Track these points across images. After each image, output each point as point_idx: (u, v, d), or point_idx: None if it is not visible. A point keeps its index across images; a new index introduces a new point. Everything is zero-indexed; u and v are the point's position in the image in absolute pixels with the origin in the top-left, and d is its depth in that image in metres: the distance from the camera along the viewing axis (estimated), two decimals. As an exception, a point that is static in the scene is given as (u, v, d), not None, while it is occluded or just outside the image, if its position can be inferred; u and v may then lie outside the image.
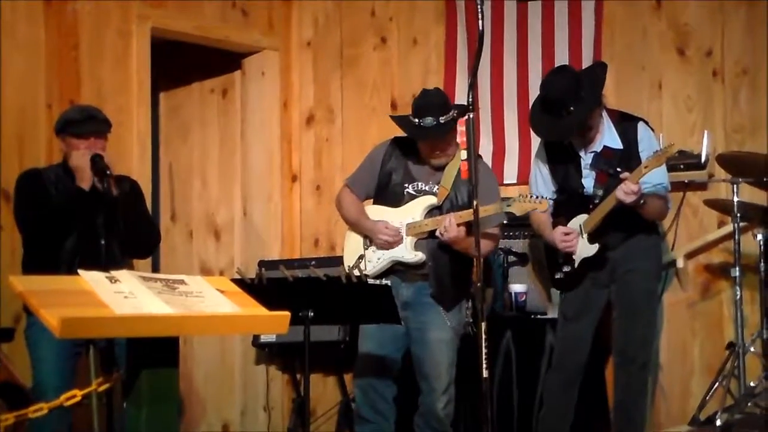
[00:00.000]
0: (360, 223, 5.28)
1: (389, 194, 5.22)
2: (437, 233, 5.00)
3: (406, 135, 5.21)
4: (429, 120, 5.00)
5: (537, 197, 5.03)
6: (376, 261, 5.17)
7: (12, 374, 4.73)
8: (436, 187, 5.13)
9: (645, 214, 5.05)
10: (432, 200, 5.12)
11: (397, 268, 5.17)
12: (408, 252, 5.13)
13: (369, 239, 5.23)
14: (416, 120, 5.04)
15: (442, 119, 4.98)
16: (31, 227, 4.85)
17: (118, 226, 4.77)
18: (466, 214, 4.94)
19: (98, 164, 4.73)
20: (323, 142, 7.04)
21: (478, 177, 4.11)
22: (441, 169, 5.14)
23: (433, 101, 5.07)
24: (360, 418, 5.22)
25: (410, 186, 5.19)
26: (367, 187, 5.32)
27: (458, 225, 4.95)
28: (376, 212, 5.26)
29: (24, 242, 4.92)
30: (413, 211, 5.14)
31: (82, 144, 4.80)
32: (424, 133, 5.05)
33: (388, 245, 5.15)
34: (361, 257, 5.18)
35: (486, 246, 5.00)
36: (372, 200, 5.34)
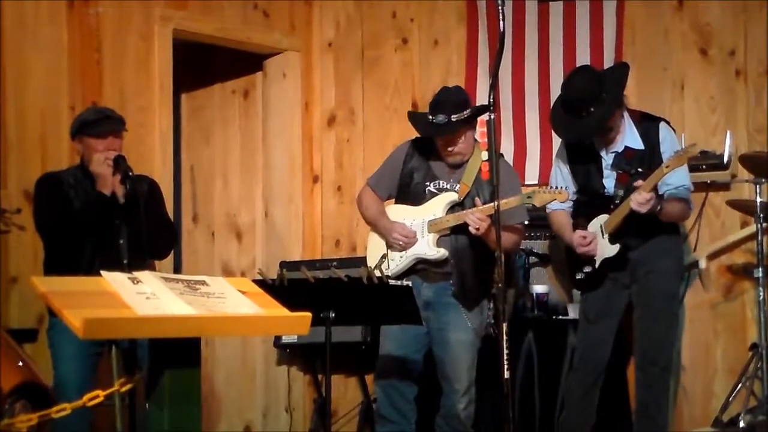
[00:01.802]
0: (378, 223, 5.29)
1: (411, 193, 5.23)
2: (471, 230, 4.97)
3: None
4: (441, 117, 5.02)
5: (557, 187, 5.04)
6: (399, 260, 5.18)
7: (35, 375, 4.75)
8: (458, 185, 5.13)
9: (663, 218, 5.04)
10: (453, 197, 5.13)
11: (419, 267, 5.17)
12: (430, 248, 5.13)
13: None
14: (430, 116, 5.06)
15: (453, 117, 4.99)
16: (51, 232, 4.87)
17: (139, 227, 4.79)
18: (489, 208, 4.95)
19: (122, 166, 4.74)
20: (344, 143, 7.04)
21: (499, 174, 4.11)
22: (462, 166, 5.14)
23: (448, 99, 5.09)
24: (381, 417, 5.23)
25: (431, 184, 5.19)
26: (388, 187, 5.33)
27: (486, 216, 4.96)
28: (398, 211, 5.26)
29: (45, 245, 4.95)
30: (435, 209, 5.14)
31: (100, 144, 4.81)
32: (433, 130, 5.07)
33: (401, 247, 5.15)
34: (384, 256, 5.19)
35: (510, 239, 4.99)
36: (394, 200, 5.35)
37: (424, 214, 5.16)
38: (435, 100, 5.13)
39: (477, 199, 5.05)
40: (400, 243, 5.15)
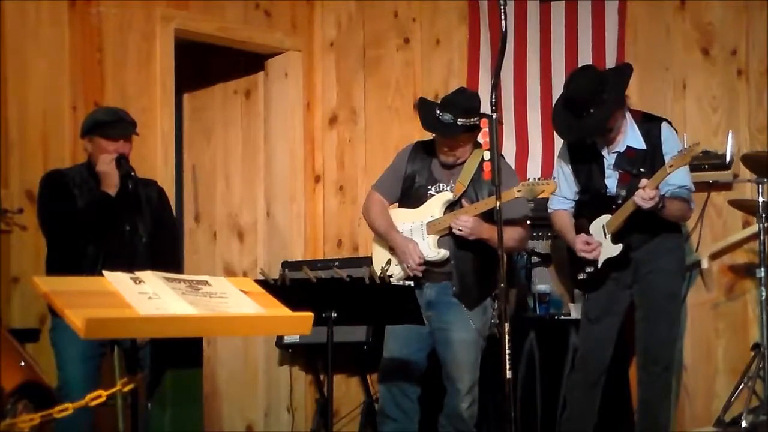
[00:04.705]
0: (389, 236, 5.25)
1: (413, 196, 5.25)
2: (454, 231, 5.01)
3: (429, 139, 5.25)
4: (447, 117, 5.02)
5: (544, 179, 5.03)
6: (403, 264, 5.19)
7: (37, 375, 4.75)
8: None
9: (665, 217, 5.03)
10: (448, 196, 5.14)
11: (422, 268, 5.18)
12: (431, 250, 5.13)
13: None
14: (438, 112, 5.06)
15: (460, 121, 4.99)
16: (54, 230, 4.87)
17: (144, 228, 4.83)
18: (473, 208, 5.00)
19: (123, 165, 4.76)
20: (346, 143, 7.04)
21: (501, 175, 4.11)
22: (459, 166, 5.15)
23: (460, 101, 5.08)
24: (384, 416, 5.25)
25: (432, 188, 5.21)
26: (394, 191, 5.33)
27: (474, 216, 4.96)
28: (398, 214, 5.28)
29: (48, 244, 4.95)
30: (432, 210, 5.16)
31: (111, 146, 4.83)
32: (434, 126, 5.08)
33: (410, 269, 5.12)
34: (389, 261, 5.20)
35: (509, 234, 4.81)
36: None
37: (423, 215, 5.18)
38: (447, 99, 5.15)
39: (464, 200, 5.07)
40: (412, 267, 5.12)
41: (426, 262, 5.16)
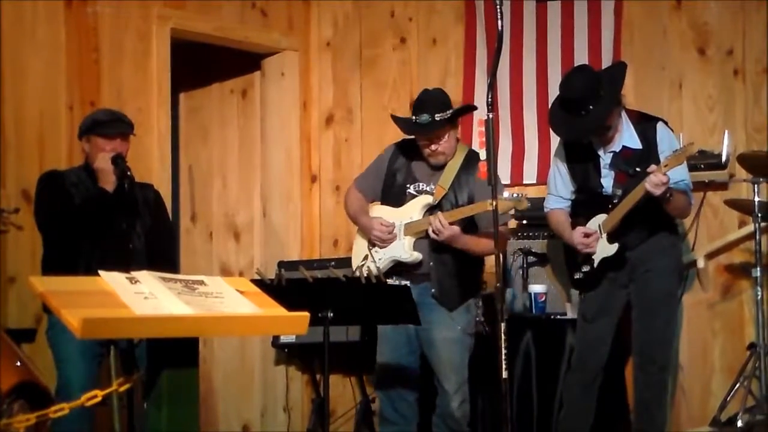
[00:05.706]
0: (358, 220, 5.38)
1: (393, 194, 5.27)
2: (430, 234, 5.01)
3: (412, 138, 5.26)
4: (425, 117, 5.05)
5: (518, 195, 5.03)
6: (378, 261, 5.20)
7: (33, 375, 4.75)
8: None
9: (670, 209, 5.01)
10: (428, 199, 5.15)
11: (400, 269, 5.19)
12: (405, 252, 5.15)
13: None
14: (413, 117, 5.08)
15: (437, 116, 5.02)
16: (52, 229, 4.88)
17: (141, 227, 4.83)
18: (456, 213, 5.00)
19: (120, 165, 4.77)
20: (342, 143, 7.04)
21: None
22: (442, 168, 5.15)
23: (430, 98, 5.13)
24: (383, 419, 5.29)
25: (412, 186, 5.23)
26: (374, 189, 5.38)
27: (451, 223, 4.96)
28: (379, 212, 5.31)
29: (44, 243, 4.95)
30: (412, 211, 5.17)
31: (108, 145, 4.85)
32: (416, 129, 5.10)
33: (381, 242, 5.17)
34: (366, 258, 5.21)
35: (489, 244, 4.92)
36: (380, 201, 5.38)
37: (402, 216, 5.19)
38: (417, 101, 5.19)
39: (443, 204, 5.08)
40: (381, 239, 5.17)
41: (401, 264, 5.17)
